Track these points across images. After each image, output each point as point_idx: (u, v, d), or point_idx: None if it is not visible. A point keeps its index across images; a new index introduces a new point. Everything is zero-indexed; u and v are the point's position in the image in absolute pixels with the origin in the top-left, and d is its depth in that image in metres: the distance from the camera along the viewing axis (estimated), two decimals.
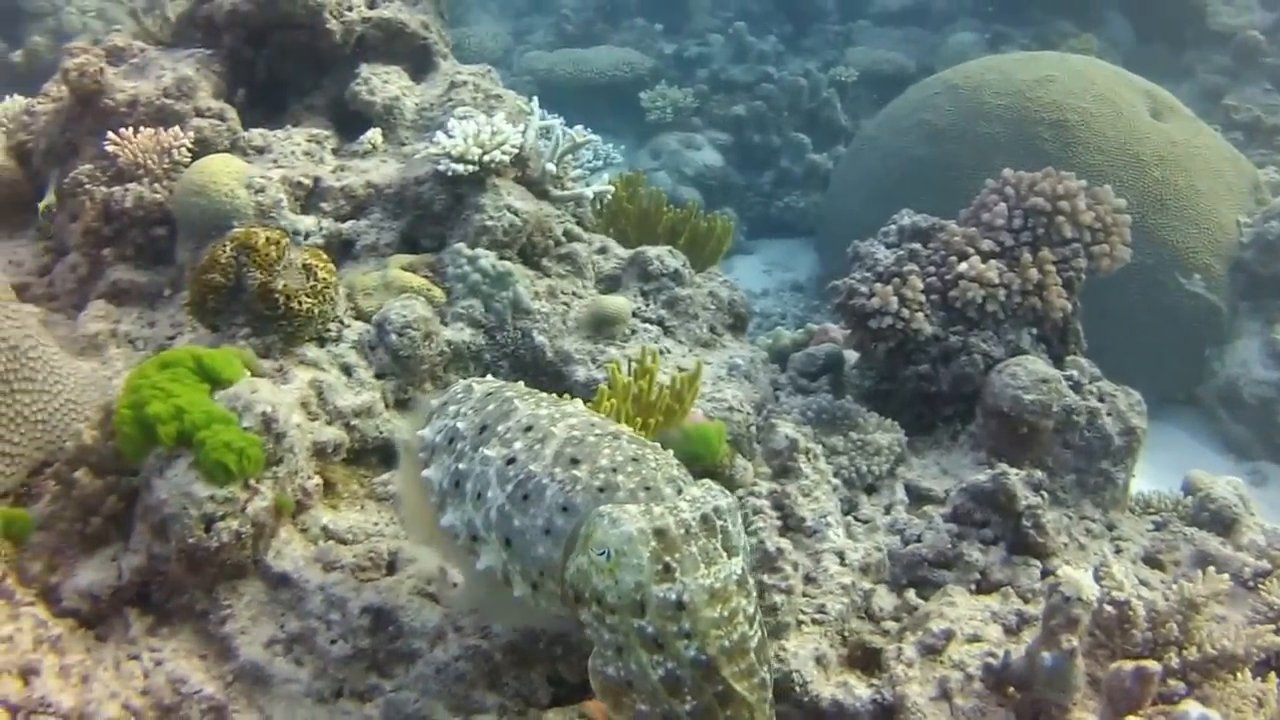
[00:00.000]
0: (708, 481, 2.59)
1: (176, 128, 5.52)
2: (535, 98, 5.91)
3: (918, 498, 4.81)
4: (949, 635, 3.69)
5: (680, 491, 2.48)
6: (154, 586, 3.73)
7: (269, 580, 3.75)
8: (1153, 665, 3.06)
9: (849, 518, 4.57)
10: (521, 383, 3.22)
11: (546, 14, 17.84)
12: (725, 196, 12.75)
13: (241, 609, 3.68)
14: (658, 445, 2.75)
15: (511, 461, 2.66)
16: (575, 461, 2.57)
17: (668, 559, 2.32)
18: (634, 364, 4.32)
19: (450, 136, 5.14)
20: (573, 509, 2.48)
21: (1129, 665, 3.09)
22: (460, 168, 5.03)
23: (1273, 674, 3.48)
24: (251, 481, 3.70)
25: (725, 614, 2.33)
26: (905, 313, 4.98)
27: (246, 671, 3.57)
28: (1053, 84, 9.13)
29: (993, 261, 5.06)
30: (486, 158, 5.04)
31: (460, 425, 2.96)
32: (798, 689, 3.47)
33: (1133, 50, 13.29)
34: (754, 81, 13.93)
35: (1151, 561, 4.89)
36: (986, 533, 4.39)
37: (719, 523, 2.41)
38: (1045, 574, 4.24)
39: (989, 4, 14.71)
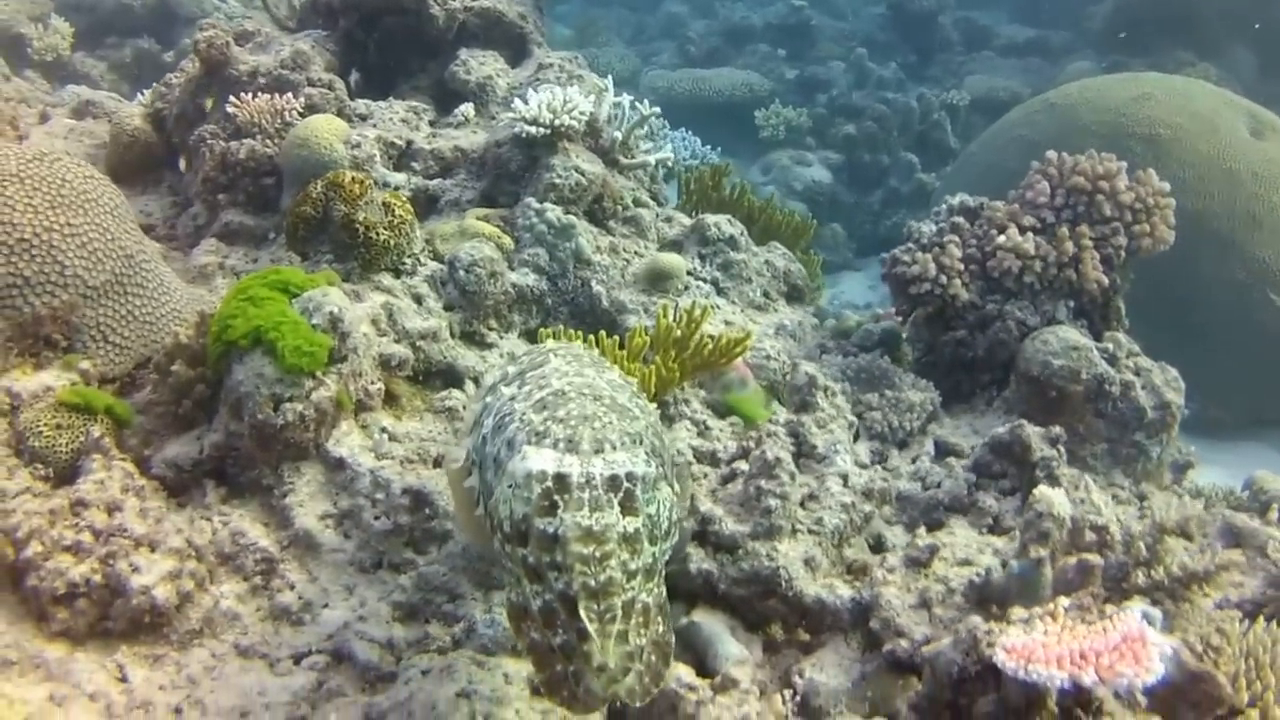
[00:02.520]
0: (644, 454, 2.66)
1: (290, 94, 6.25)
2: (610, 76, 6.45)
3: (946, 453, 5.11)
4: (933, 550, 4.00)
5: (600, 453, 2.57)
6: (229, 462, 4.32)
7: (327, 463, 4.31)
8: (1095, 559, 3.33)
9: (879, 467, 4.92)
10: (596, 351, 3.58)
11: (674, 38, 18.58)
12: (833, 213, 13.14)
13: (301, 486, 4.25)
14: (637, 411, 2.90)
15: (511, 399, 2.89)
16: (543, 408, 2.76)
17: (556, 498, 2.46)
18: (681, 312, 4.75)
19: (527, 103, 5.71)
20: (515, 445, 2.65)
21: (1073, 559, 3.39)
22: (534, 130, 5.61)
23: (1260, 618, 3.67)
24: (318, 373, 4.27)
25: (597, 555, 2.40)
26: (943, 279, 5.32)
27: (300, 538, 4.12)
28: (1149, 101, 9.32)
29: (1030, 235, 5.37)
30: (557, 122, 5.60)
31: (510, 370, 3.29)
32: (784, 584, 3.83)
33: (1254, 83, 13.24)
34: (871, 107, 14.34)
35: (1181, 532, 5.08)
36: (1004, 483, 4.67)
37: (626, 485, 2.51)
38: None
39: (1120, 31, 14.80)
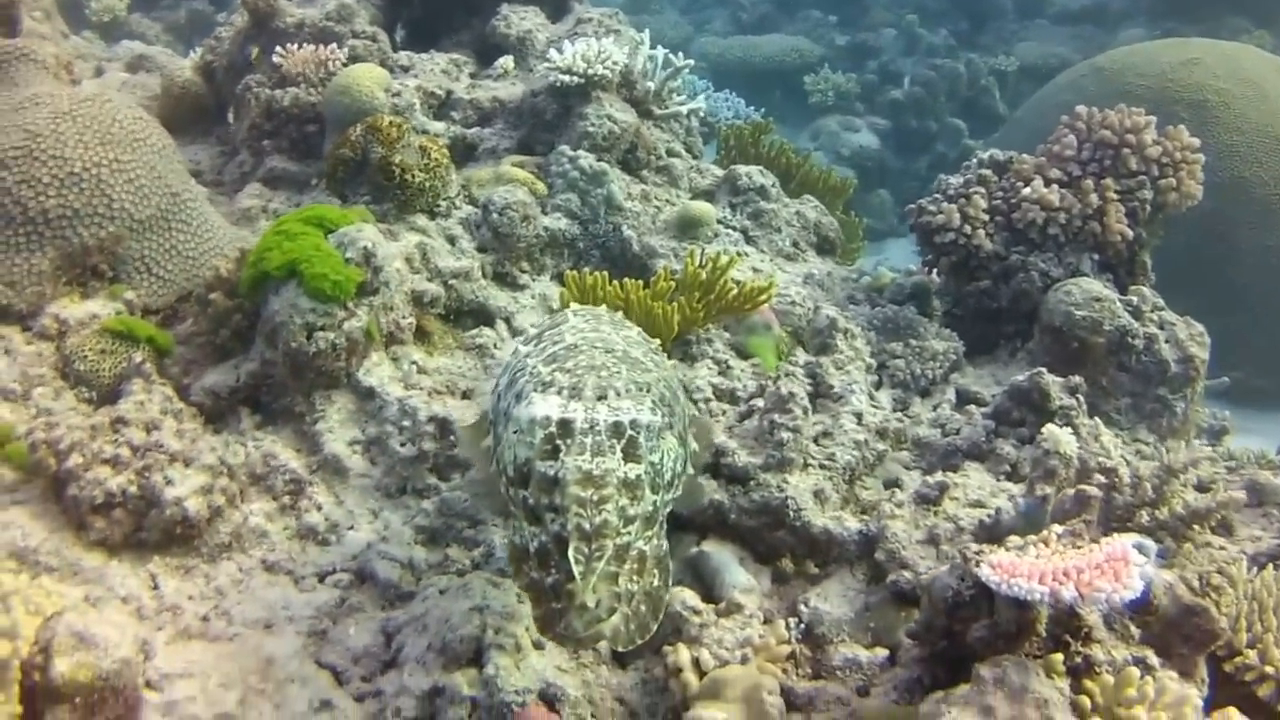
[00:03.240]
0: (651, 403, 2.65)
1: (334, 45, 6.37)
2: (647, 30, 6.50)
3: (968, 402, 5.13)
4: (943, 488, 4.05)
5: (604, 399, 2.58)
6: (263, 390, 4.47)
7: (357, 392, 4.44)
8: (1092, 490, 3.36)
9: (901, 414, 4.97)
10: (620, 314, 3.58)
11: (726, 6, 18.52)
12: (881, 178, 13.09)
13: (332, 413, 4.39)
14: (650, 364, 2.90)
15: (526, 356, 2.91)
16: (552, 361, 2.77)
17: (559, 442, 2.49)
18: (708, 258, 4.81)
19: (561, 53, 5.79)
20: (524, 396, 2.66)
21: (1072, 490, 3.42)
22: (568, 79, 5.69)
23: (1270, 566, 3.69)
24: (350, 304, 4.40)
25: (594, 498, 2.42)
26: (967, 229, 5.34)
27: (329, 462, 4.27)
28: (1197, 66, 9.18)
29: (1056, 187, 5.37)
30: (591, 71, 5.68)
31: (531, 332, 3.33)
32: (792, 515, 3.91)
33: None
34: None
35: (1201, 488, 5.07)
36: (1023, 431, 4.68)
37: (630, 433, 2.52)
38: None
39: None
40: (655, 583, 2.59)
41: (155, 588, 3.64)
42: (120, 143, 4.69)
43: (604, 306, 4.03)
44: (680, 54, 6.31)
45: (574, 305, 3.72)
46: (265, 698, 3.11)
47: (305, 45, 6.36)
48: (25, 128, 4.53)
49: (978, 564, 2.91)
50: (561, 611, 2.42)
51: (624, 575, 2.46)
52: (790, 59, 15.13)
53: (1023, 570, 2.75)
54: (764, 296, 4.81)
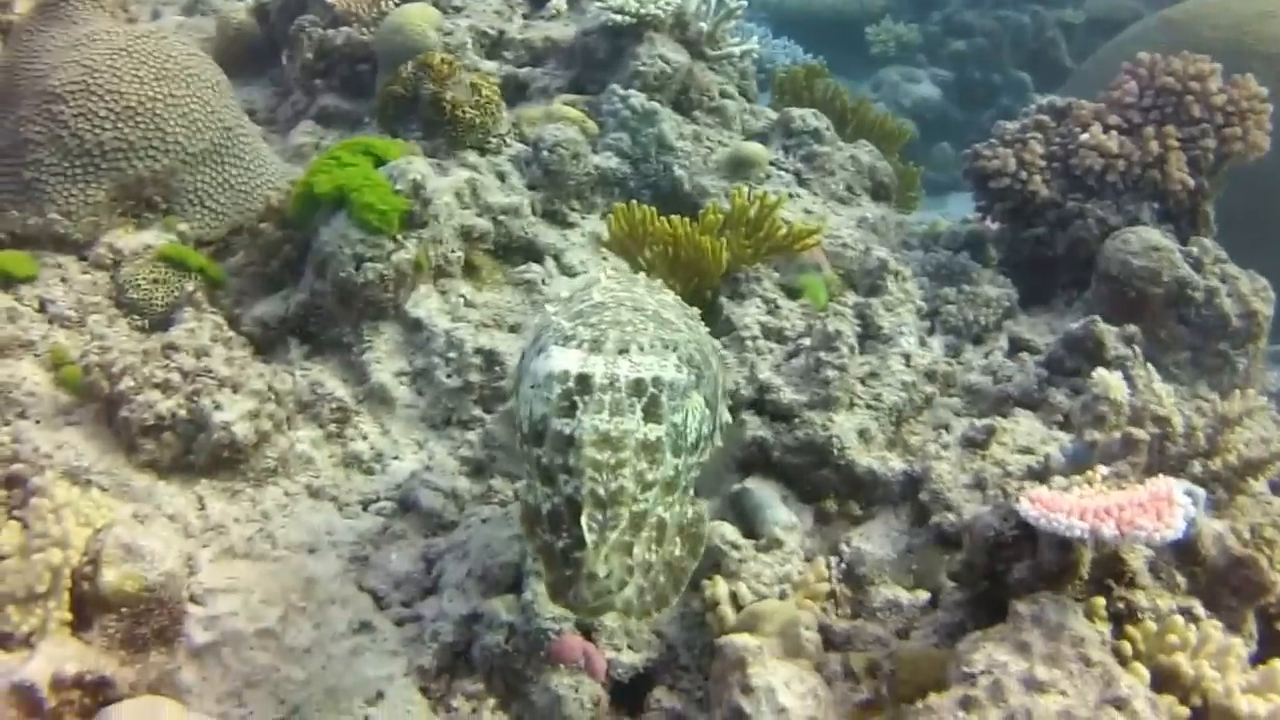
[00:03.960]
0: (676, 360, 2.54)
1: None
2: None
3: (1021, 349, 5.04)
4: (991, 431, 3.99)
5: (626, 353, 2.48)
6: (312, 321, 4.51)
7: (405, 323, 4.47)
8: (1140, 432, 3.30)
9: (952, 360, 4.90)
10: (657, 281, 3.41)
11: None
12: (943, 131, 12.85)
13: (379, 344, 4.42)
14: (680, 324, 2.79)
15: (554, 315, 2.76)
16: (577, 316, 2.66)
17: (576, 399, 2.38)
18: (754, 194, 4.75)
19: None
20: (545, 351, 2.55)
21: (1119, 432, 3.36)
22: (620, 19, 5.64)
23: None
24: (399, 236, 4.41)
25: (611, 462, 2.31)
26: (1023, 175, 5.23)
27: (375, 392, 4.30)
28: (1275, 19, 8.87)
29: (1115, 134, 5.23)
30: (644, 11, 5.62)
31: (564, 294, 3.24)
32: (836, 453, 3.87)
33: None
34: None
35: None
36: (1077, 381, 4.58)
37: (652, 391, 2.41)
38: None
39: None
40: (677, 552, 2.49)
41: (202, 509, 3.70)
42: (175, 78, 4.72)
43: (646, 258, 4.02)
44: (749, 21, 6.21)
45: (608, 270, 3.66)
46: (306, 616, 3.16)
47: None
48: (82, 63, 4.58)
49: (1018, 499, 2.87)
50: (571, 579, 2.33)
51: (640, 545, 2.36)
52: (851, 8, 14.86)
53: (1063, 506, 2.70)
54: (813, 239, 4.76)
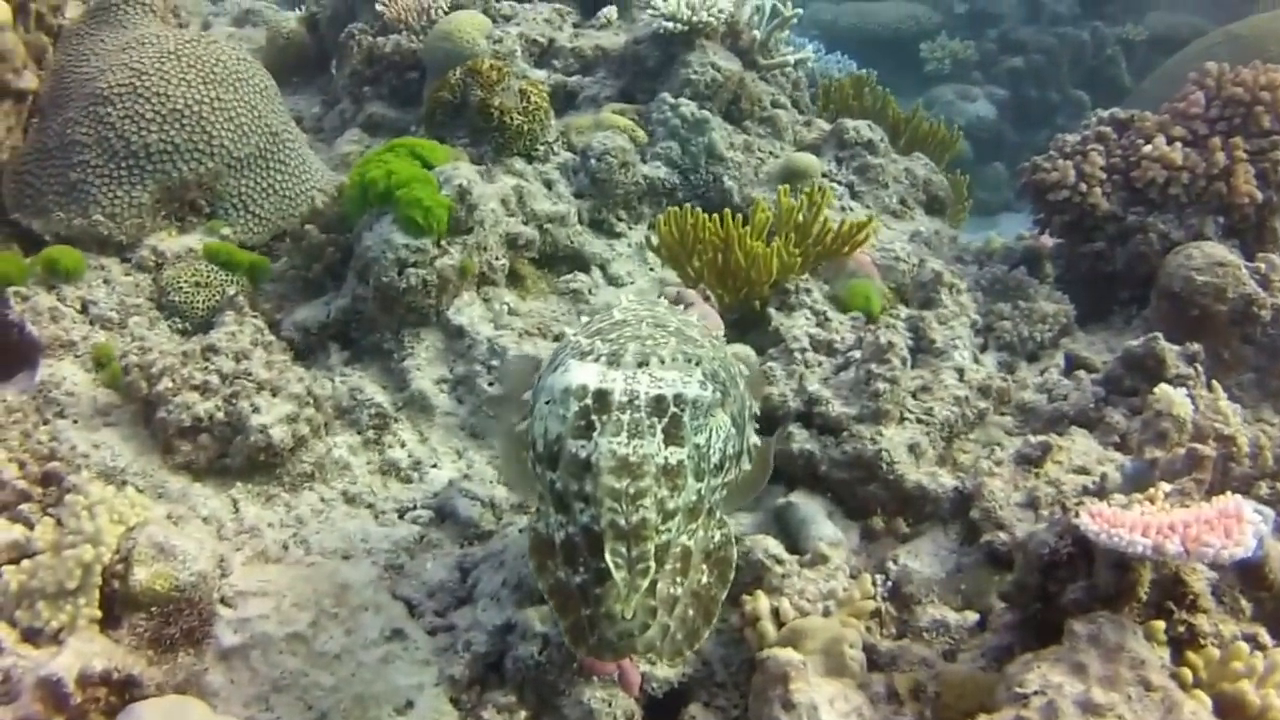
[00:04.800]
0: (700, 376, 2.44)
1: None
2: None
3: (1078, 367, 4.93)
4: (1046, 449, 3.88)
5: (646, 366, 2.38)
6: (353, 326, 4.50)
7: (447, 330, 4.45)
8: (1206, 449, 3.18)
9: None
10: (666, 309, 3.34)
11: None
12: (997, 151, 12.72)
13: (420, 350, 4.40)
14: (704, 342, 2.71)
15: (574, 335, 2.68)
16: (596, 333, 2.57)
17: (594, 418, 2.27)
18: (803, 196, 4.72)
19: (665, 0, 5.71)
20: (562, 366, 2.45)
21: (1183, 448, 3.25)
22: (671, 26, 5.62)
23: None
24: (443, 242, 4.40)
25: (630, 490, 2.20)
26: (1083, 187, 5.12)
27: (415, 399, 4.28)
28: None
29: (1179, 145, 5.12)
30: (695, 18, 5.60)
31: (584, 319, 3.10)
32: (885, 467, 3.79)
33: None
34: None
35: None
36: (1135, 401, 4.46)
37: (674, 410, 2.30)
38: None
39: None
40: (705, 579, 2.39)
41: (236, 512, 3.68)
42: (222, 81, 4.75)
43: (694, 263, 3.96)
44: (788, 3, 6.17)
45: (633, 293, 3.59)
46: (338, 622, 3.12)
47: None
48: (130, 65, 4.63)
49: (1076, 514, 2.77)
50: (593, 621, 2.23)
51: (665, 579, 2.26)
52: (906, 26, 14.79)
53: (1125, 521, 2.61)
54: (862, 235, 4.69)
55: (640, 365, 2.38)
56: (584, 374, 2.35)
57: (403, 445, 4.15)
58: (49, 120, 4.65)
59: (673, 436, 2.29)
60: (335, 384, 4.28)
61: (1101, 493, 3.65)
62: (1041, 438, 3.96)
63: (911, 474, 3.79)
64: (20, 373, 4.06)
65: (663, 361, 2.41)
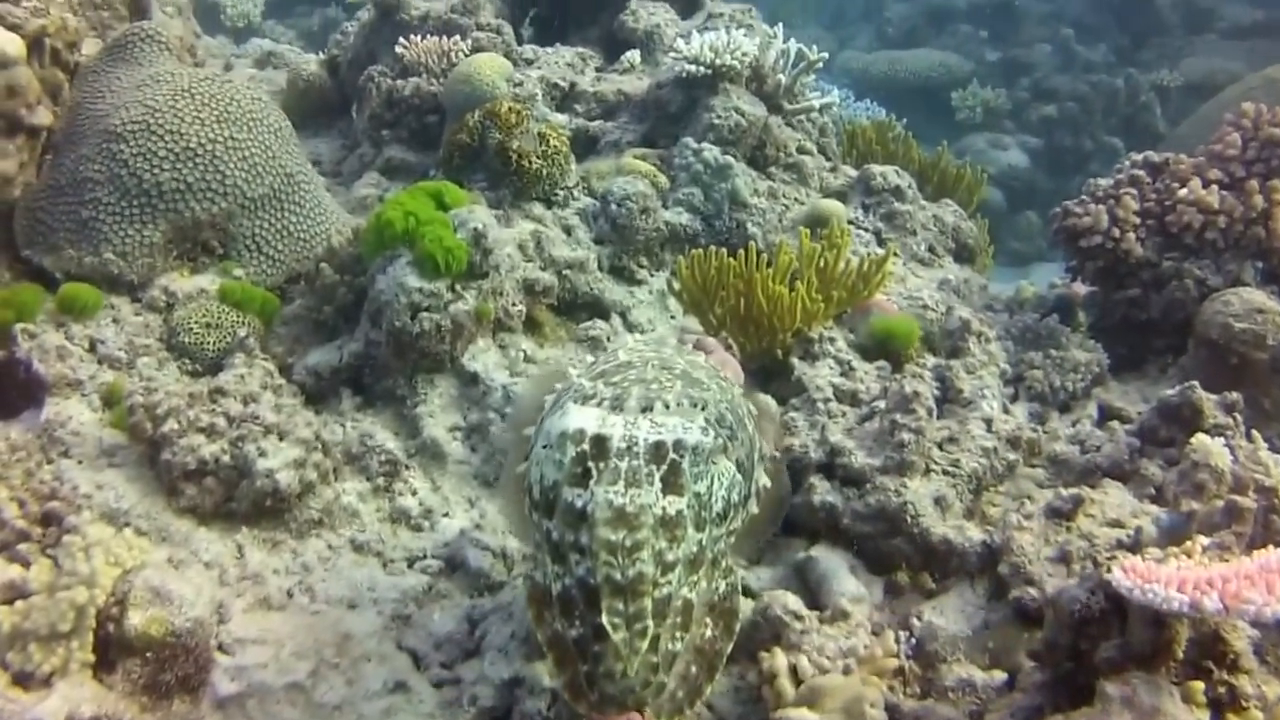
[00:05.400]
0: (704, 421, 2.40)
1: (457, 36, 6.45)
2: (781, 24, 6.41)
3: (1111, 418, 4.87)
4: (1078, 501, 3.80)
5: (649, 411, 2.36)
6: (366, 371, 4.50)
7: (461, 377, 4.43)
8: (1246, 501, 3.11)
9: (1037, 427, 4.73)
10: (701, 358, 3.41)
11: (872, 21, 18.41)
12: (1030, 199, 12.72)
13: (434, 397, 4.39)
14: (712, 385, 2.68)
15: (578, 377, 2.67)
16: (600, 375, 2.57)
17: (591, 464, 2.26)
18: (823, 237, 4.71)
19: (689, 43, 5.74)
20: (561, 409, 2.45)
21: (1222, 500, 3.18)
22: (694, 69, 5.64)
23: None
24: (457, 286, 4.40)
25: (626, 543, 2.19)
26: (1116, 232, 5.08)
27: (427, 447, 4.26)
28: None
29: (1216, 189, 5.07)
30: (719, 62, 5.62)
31: (590, 360, 3.16)
32: (909, 520, 3.72)
33: None
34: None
35: None
36: (1171, 451, 4.39)
37: (673, 456, 2.28)
38: None
39: None
40: (709, 633, 2.35)
41: (240, 557, 3.65)
42: (236, 121, 4.79)
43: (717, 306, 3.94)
44: (814, 47, 6.19)
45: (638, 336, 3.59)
46: (339, 672, 3.08)
47: (429, 37, 6.44)
48: (145, 103, 4.67)
49: (1109, 568, 2.70)
50: (590, 678, 2.21)
51: (665, 634, 2.23)
52: (937, 74, 14.90)
53: (1160, 576, 2.53)
54: (882, 273, 4.67)
55: (644, 410, 2.36)
56: (582, 418, 2.35)
57: (414, 493, 4.12)
58: (63, 157, 4.70)
59: (672, 485, 2.27)
60: (346, 429, 4.27)
61: (1136, 546, 3.56)
62: (1073, 490, 3.89)
63: (937, 527, 3.73)
64: (26, 411, 4.07)
65: (667, 406, 2.39)
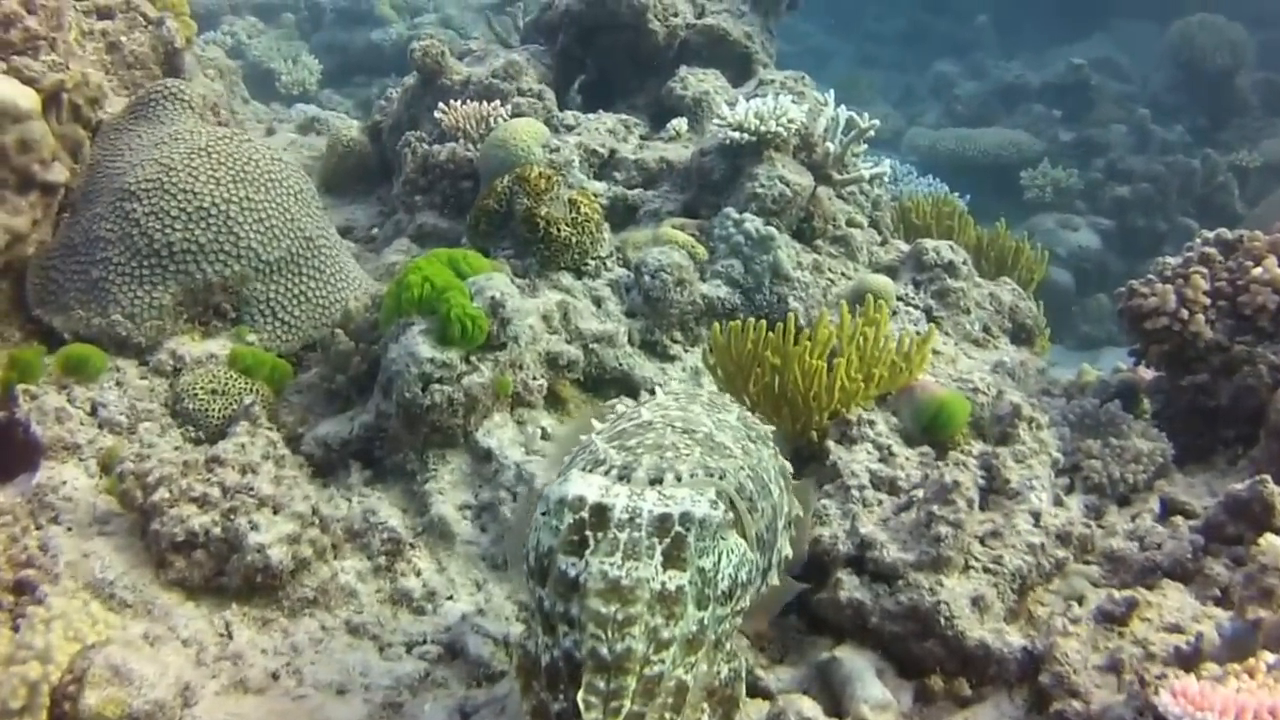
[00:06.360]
0: (714, 495, 2.33)
1: (498, 101, 6.44)
2: (832, 92, 6.31)
3: (1174, 513, 4.61)
4: (1131, 605, 3.57)
5: (658, 483, 2.29)
6: (377, 445, 4.39)
7: (475, 454, 4.31)
8: None
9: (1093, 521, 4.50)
10: (726, 397, 3.35)
11: (941, 98, 18.37)
12: (1101, 282, 12.48)
13: (444, 473, 4.26)
14: (736, 450, 2.62)
15: (597, 435, 2.66)
16: (617, 437, 2.54)
17: (588, 533, 2.20)
18: (861, 312, 4.55)
19: (734, 109, 5.66)
20: (565, 475, 2.41)
21: None
22: (738, 136, 5.54)
23: None
24: (473, 357, 4.30)
25: (618, 616, 2.12)
26: (1184, 314, 4.85)
27: (434, 525, 4.13)
28: None
29: None
30: (764, 129, 5.52)
31: (614, 415, 3.04)
32: (943, 622, 3.50)
33: None
34: None
35: None
36: (1239, 550, 4.14)
37: (678, 529, 2.20)
38: None
39: None
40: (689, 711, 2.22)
41: (228, 636, 3.53)
42: (254, 181, 4.77)
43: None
44: (865, 116, 6.07)
45: (672, 386, 3.51)
46: None
47: (470, 102, 6.44)
48: (160, 161, 4.68)
49: (1157, 690, 2.49)
50: None
51: (652, 715, 2.13)
52: (1008, 153, 14.77)
53: (1215, 703, 2.32)
54: (923, 350, 4.49)
55: (654, 482, 2.30)
56: (584, 486, 2.28)
57: (418, 574, 3.98)
58: (79, 215, 4.71)
59: (674, 559, 2.20)
60: (353, 504, 4.15)
61: (1196, 656, 3.32)
62: (1127, 592, 3.65)
63: (974, 630, 3.50)
64: (23, 474, 4.01)
65: (679, 478, 2.31)
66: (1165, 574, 4.05)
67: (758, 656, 3.55)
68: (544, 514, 2.29)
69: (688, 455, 2.41)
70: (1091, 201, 13.57)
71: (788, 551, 2.73)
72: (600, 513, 2.22)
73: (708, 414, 2.78)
